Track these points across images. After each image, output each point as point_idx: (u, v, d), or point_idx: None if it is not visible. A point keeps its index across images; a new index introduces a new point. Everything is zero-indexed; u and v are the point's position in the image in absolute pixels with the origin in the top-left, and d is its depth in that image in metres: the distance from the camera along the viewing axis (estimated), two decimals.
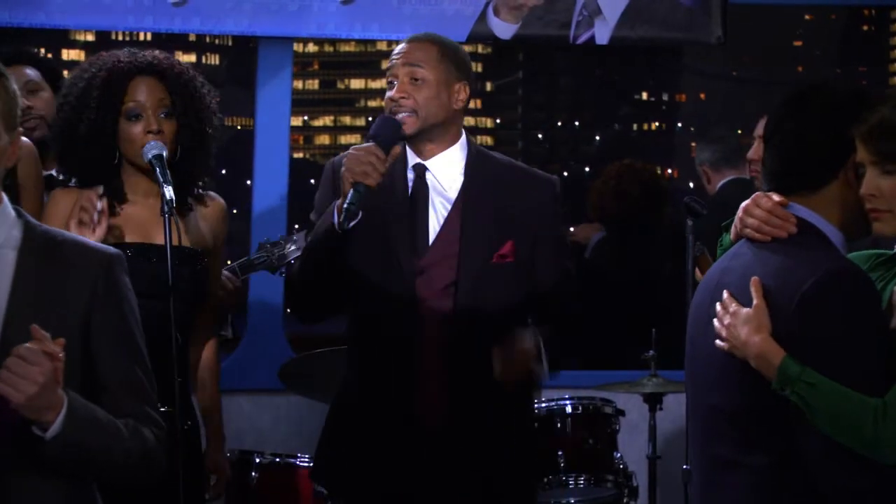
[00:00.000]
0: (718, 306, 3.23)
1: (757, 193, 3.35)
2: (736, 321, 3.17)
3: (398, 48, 4.21)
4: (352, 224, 3.92)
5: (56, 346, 2.97)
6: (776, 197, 3.27)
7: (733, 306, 3.19)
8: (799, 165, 3.27)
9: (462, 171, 4.18)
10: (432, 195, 4.16)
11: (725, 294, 3.22)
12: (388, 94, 4.14)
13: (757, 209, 3.28)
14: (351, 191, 3.90)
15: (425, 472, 4.07)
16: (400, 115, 4.09)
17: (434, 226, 4.15)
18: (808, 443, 3.09)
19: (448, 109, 4.15)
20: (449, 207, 4.15)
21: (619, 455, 5.41)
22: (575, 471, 5.35)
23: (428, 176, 4.16)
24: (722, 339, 3.21)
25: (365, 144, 3.97)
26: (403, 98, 4.09)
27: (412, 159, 4.16)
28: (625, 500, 5.39)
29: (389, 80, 4.16)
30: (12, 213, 3.23)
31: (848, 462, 3.06)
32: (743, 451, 3.20)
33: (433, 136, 4.15)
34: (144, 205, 4.36)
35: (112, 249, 3.29)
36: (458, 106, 4.17)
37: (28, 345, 2.97)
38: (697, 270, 4.27)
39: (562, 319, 4.26)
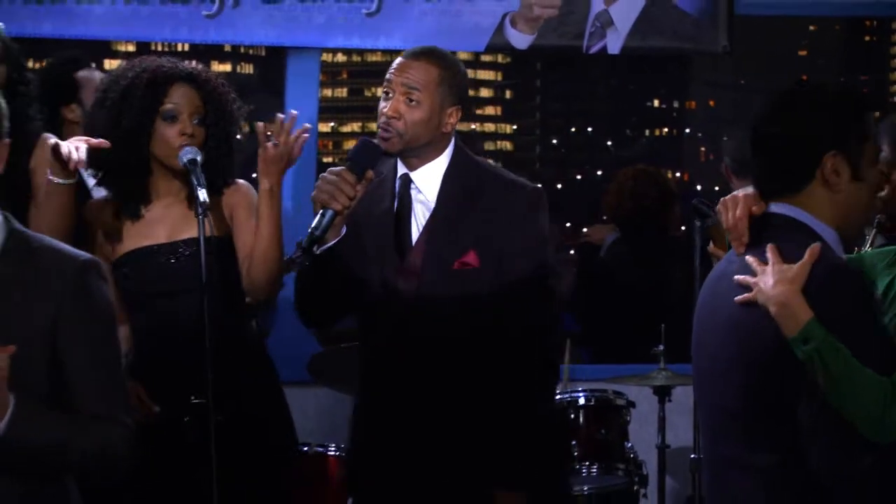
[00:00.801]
0: (750, 260, 3.13)
1: (735, 193, 3.30)
2: (771, 271, 3.09)
3: (399, 60, 4.07)
4: (325, 247, 3.82)
5: (2, 354, 2.94)
6: (749, 202, 3.22)
7: (774, 259, 3.10)
8: (781, 166, 3.22)
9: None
10: (416, 204, 4.06)
11: (769, 249, 3.11)
12: (382, 105, 4.02)
13: (728, 212, 3.25)
14: (318, 215, 3.79)
15: (419, 472, 4.01)
16: (386, 133, 3.98)
17: (415, 234, 4.05)
18: (811, 424, 3.04)
19: (436, 132, 4.02)
20: (429, 216, 4.05)
21: (629, 445, 5.42)
22: (588, 460, 5.37)
23: (412, 186, 4.06)
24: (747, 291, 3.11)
25: (337, 168, 3.84)
26: (394, 119, 3.98)
27: (400, 169, 4.07)
28: (635, 488, 5.39)
29: (385, 89, 4.05)
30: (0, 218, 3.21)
31: (851, 443, 3.02)
32: (748, 451, 3.17)
33: (418, 152, 4.04)
34: (169, 205, 4.45)
35: (86, 256, 3.23)
36: (447, 129, 4.04)
37: None
38: (711, 244, 4.25)
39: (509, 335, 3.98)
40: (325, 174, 3.82)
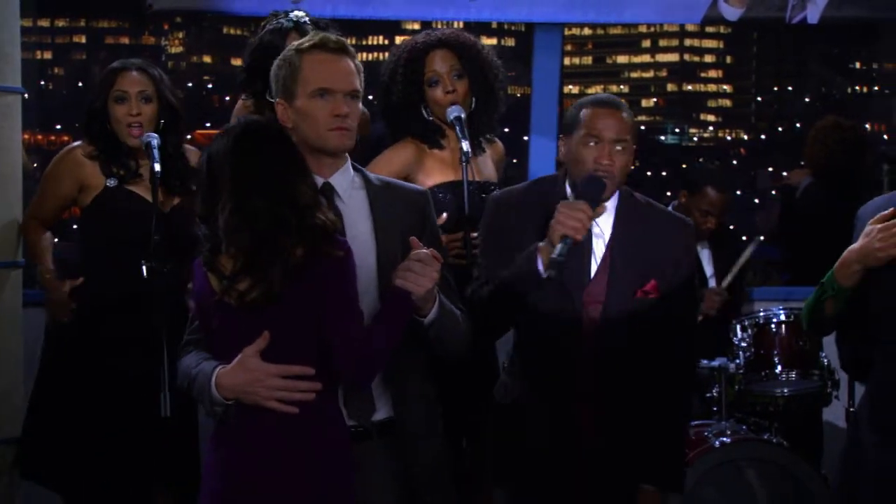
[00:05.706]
0: None
1: None
2: None
3: (603, 110, 3.74)
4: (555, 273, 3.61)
5: (437, 263, 3.27)
6: None
7: None
8: None
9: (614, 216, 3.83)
10: (592, 237, 3.78)
11: None
12: (594, 155, 3.70)
13: None
14: (560, 244, 3.56)
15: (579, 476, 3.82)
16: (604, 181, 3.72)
17: (594, 263, 3.79)
18: None
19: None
20: (604, 248, 3.80)
21: (824, 354, 5.36)
22: (787, 366, 5.34)
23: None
24: None
25: (576, 201, 3.62)
26: (609, 165, 3.71)
27: None
28: (828, 391, 5.36)
29: (592, 137, 3.72)
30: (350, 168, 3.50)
31: None
32: None
33: None
34: (447, 149, 4.47)
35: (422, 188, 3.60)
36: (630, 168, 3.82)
37: (424, 251, 3.24)
38: None
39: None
40: (563, 207, 3.60)
